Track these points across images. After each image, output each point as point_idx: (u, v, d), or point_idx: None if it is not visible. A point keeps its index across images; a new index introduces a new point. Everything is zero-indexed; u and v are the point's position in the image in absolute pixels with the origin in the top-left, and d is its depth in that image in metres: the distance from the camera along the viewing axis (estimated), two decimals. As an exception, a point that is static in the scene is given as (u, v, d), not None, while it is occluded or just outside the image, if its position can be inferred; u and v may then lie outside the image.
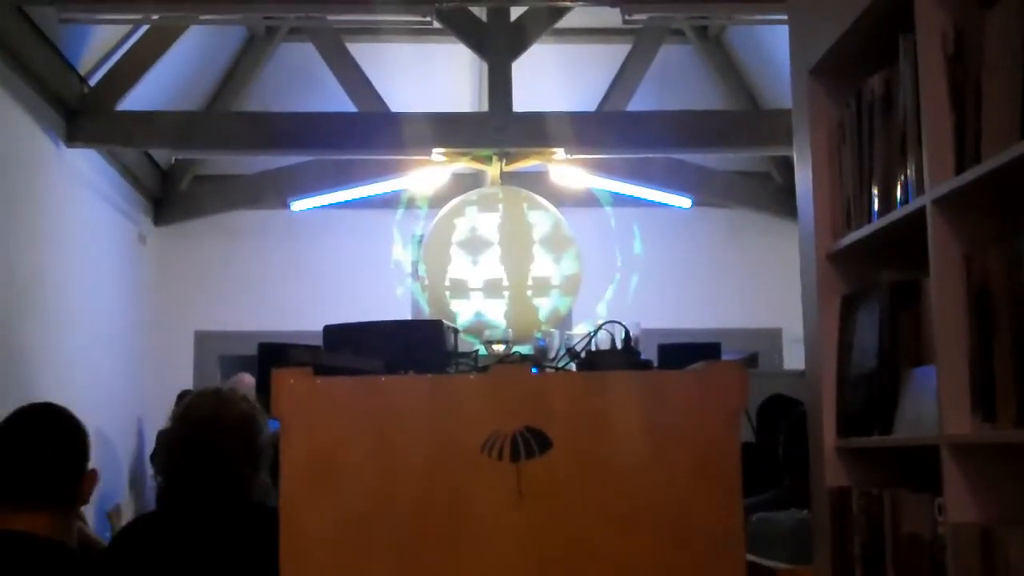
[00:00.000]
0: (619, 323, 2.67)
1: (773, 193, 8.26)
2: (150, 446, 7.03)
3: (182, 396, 4.18)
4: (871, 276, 2.38)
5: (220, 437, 2.84)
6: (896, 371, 2.24)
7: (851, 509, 2.34)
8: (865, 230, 2.34)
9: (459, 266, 6.48)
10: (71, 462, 2.96)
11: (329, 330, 2.93)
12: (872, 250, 2.40)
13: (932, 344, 2.06)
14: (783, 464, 3.67)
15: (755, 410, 4.72)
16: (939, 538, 1.99)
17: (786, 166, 7.83)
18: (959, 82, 2.01)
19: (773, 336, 8.18)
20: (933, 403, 2.02)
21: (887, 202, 2.27)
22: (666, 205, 8.08)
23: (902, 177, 2.20)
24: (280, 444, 2.47)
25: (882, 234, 2.29)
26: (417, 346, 2.87)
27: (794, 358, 7.55)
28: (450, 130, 6.65)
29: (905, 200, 2.18)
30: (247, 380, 3.40)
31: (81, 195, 6.65)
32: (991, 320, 1.89)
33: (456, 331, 3.08)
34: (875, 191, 2.32)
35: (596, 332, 2.70)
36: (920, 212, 2.07)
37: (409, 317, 6.75)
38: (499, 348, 2.89)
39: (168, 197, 8.23)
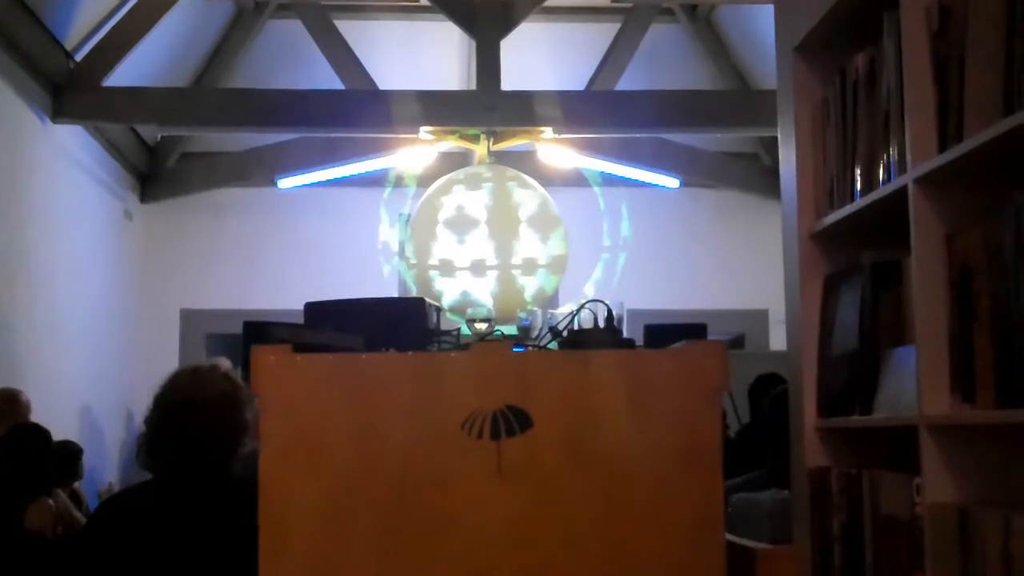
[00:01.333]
0: (602, 302, 2.66)
1: (761, 174, 8.26)
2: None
3: None
4: (854, 256, 2.37)
5: (196, 418, 2.83)
6: (877, 351, 2.23)
7: (830, 489, 2.34)
8: (848, 209, 2.33)
9: (445, 245, 6.47)
10: None
11: (310, 307, 2.92)
12: (855, 230, 2.39)
13: (913, 324, 2.06)
14: (765, 444, 3.67)
15: (748, 390, 4.72)
16: (917, 518, 1.99)
17: (774, 147, 7.81)
18: (943, 59, 1.99)
19: (760, 317, 8.18)
20: (913, 383, 2.01)
21: (870, 181, 2.25)
22: (654, 185, 8.07)
23: (885, 156, 2.19)
24: (259, 422, 2.46)
25: (865, 213, 2.28)
26: (399, 324, 2.85)
27: (780, 339, 7.52)
28: (438, 108, 6.64)
29: (888, 179, 2.17)
30: (224, 364, 3.40)
31: (67, 171, 6.62)
32: (971, 300, 1.89)
33: (439, 309, 3.07)
34: (858, 170, 2.31)
35: (578, 311, 2.69)
36: (902, 191, 2.06)
37: (396, 296, 6.74)
38: (482, 327, 2.87)
39: (155, 174, 8.20)
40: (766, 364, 4.76)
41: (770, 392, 3.91)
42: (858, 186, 2.30)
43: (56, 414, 5.36)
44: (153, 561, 2.74)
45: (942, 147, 1.97)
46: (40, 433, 4.80)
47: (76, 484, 5.11)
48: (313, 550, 2.39)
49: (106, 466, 7.21)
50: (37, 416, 5.07)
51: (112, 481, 6.91)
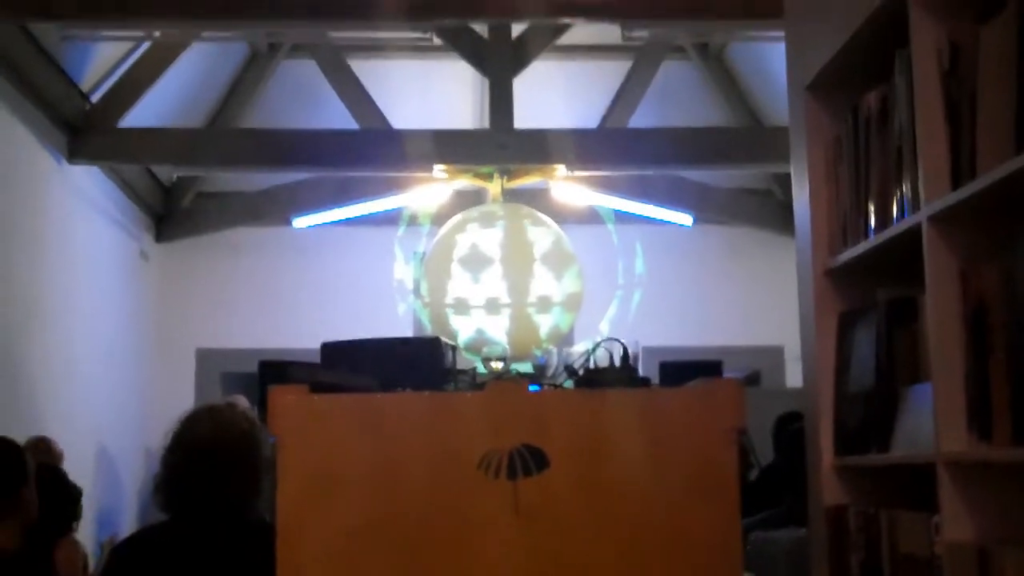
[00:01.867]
0: (617, 340, 2.66)
1: (774, 210, 8.26)
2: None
3: None
4: (869, 293, 2.37)
5: (216, 459, 2.83)
6: (893, 389, 2.23)
7: (848, 527, 2.33)
8: (862, 247, 2.33)
9: (460, 283, 6.48)
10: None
11: (327, 347, 2.93)
12: (869, 267, 2.39)
13: (929, 361, 2.05)
14: (781, 482, 3.66)
15: (772, 430, 4.70)
16: (936, 557, 1.98)
17: (788, 183, 7.82)
18: (955, 97, 2.00)
19: (775, 354, 8.16)
20: (930, 421, 2.01)
21: (884, 218, 2.26)
22: (667, 222, 8.08)
23: (898, 193, 2.19)
24: (276, 462, 2.46)
25: (879, 251, 2.28)
26: (415, 363, 2.86)
27: (796, 376, 7.51)
28: (452, 147, 6.66)
29: (901, 216, 2.17)
30: (242, 402, 3.41)
31: (83, 212, 6.66)
32: (987, 337, 1.88)
33: (455, 348, 3.08)
34: (871, 207, 2.31)
35: (594, 349, 2.69)
36: (916, 228, 2.07)
37: (411, 334, 6.75)
38: (498, 365, 2.88)
39: (170, 214, 8.24)
40: (782, 401, 4.74)
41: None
42: (872, 223, 2.31)
43: (73, 454, 5.36)
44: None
45: (955, 184, 1.97)
46: (61, 473, 4.81)
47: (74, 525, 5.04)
48: (330, 590, 2.39)
49: (123, 506, 7.22)
50: (53, 456, 5.09)
51: (116, 532, 6.89)
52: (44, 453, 5.12)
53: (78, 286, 6.47)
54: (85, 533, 5.79)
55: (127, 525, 7.00)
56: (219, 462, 2.83)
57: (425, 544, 2.40)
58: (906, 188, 2.16)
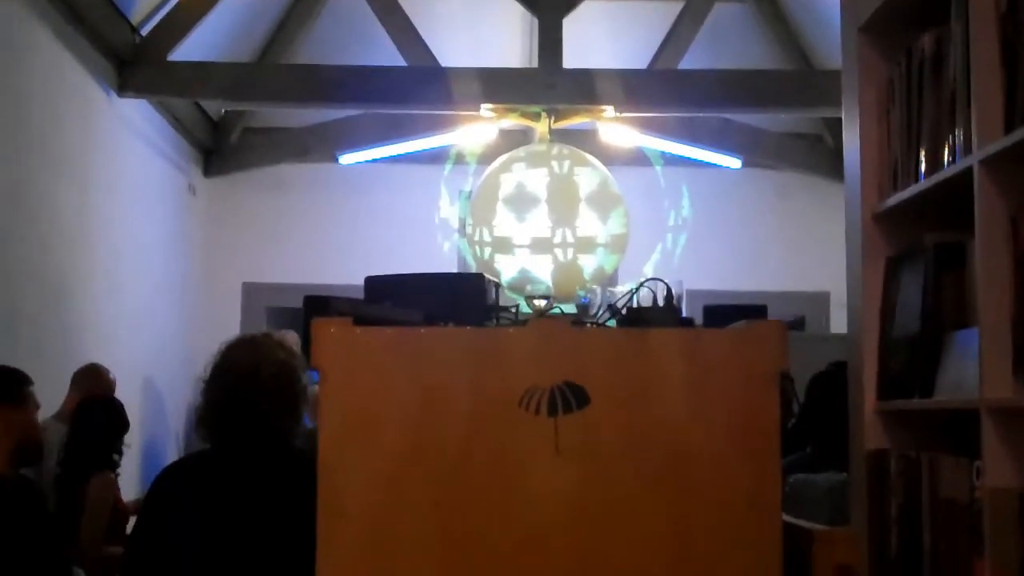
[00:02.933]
0: (661, 280, 2.65)
1: (824, 155, 8.18)
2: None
3: None
4: (917, 238, 2.35)
5: (255, 389, 2.85)
6: (939, 334, 2.21)
7: (889, 472, 2.32)
8: (912, 190, 2.31)
9: (505, 222, 6.47)
10: None
11: (370, 282, 2.94)
12: (918, 211, 2.37)
13: (976, 307, 2.04)
14: (806, 427, 3.66)
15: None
16: (976, 502, 1.97)
17: (838, 128, 7.74)
18: (1010, 41, 1.97)
19: (821, 300, 8.12)
20: (975, 366, 2.00)
21: (935, 162, 2.23)
22: (715, 165, 8.02)
23: (950, 137, 2.17)
24: (319, 394, 2.48)
25: (929, 195, 2.26)
26: (458, 299, 2.87)
27: (841, 322, 7.48)
28: (499, 86, 6.63)
29: (953, 160, 2.15)
30: (292, 337, 3.44)
31: (132, 145, 6.70)
32: (1036, 283, 1.87)
33: (498, 285, 3.08)
34: (923, 151, 2.29)
35: (637, 289, 2.69)
36: (967, 172, 2.04)
37: (456, 271, 6.77)
38: (541, 303, 2.87)
39: (218, 148, 8.27)
40: (827, 346, 4.71)
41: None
42: (923, 167, 2.28)
43: (120, 386, 5.42)
44: (212, 529, 2.77)
45: (1008, 128, 1.95)
46: (112, 406, 4.84)
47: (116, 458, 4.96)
48: (371, 521, 2.42)
49: (169, 437, 7.31)
50: (101, 386, 5.16)
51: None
52: (95, 380, 5.18)
53: (127, 219, 6.52)
54: (132, 464, 5.88)
55: (172, 456, 7.10)
56: (258, 390, 2.85)
57: (465, 478, 2.42)
58: (959, 132, 2.13)
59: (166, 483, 2.93)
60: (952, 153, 2.16)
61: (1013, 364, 1.92)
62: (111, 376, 5.28)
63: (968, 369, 2.04)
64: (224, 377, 2.89)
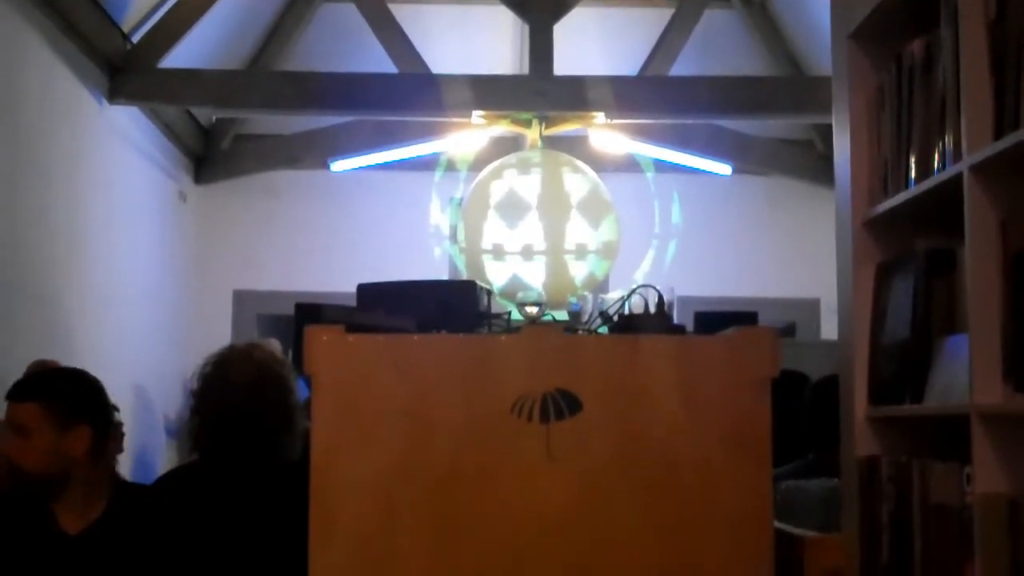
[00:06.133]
0: (652, 287, 2.66)
1: (815, 161, 8.19)
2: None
3: None
4: (907, 244, 2.36)
5: (261, 407, 2.85)
6: (929, 340, 2.22)
7: (880, 477, 2.33)
8: (902, 196, 2.32)
9: (496, 229, 6.48)
10: None
11: (363, 289, 2.94)
12: (909, 217, 2.37)
13: (966, 313, 2.05)
14: (807, 434, 3.66)
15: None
16: (967, 507, 1.98)
17: (828, 134, 7.75)
18: (1000, 47, 1.98)
19: (811, 306, 8.12)
20: (965, 372, 2.00)
21: (925, 168, 2.24)
22: (706, 172, 8.03)
23: (940, 143, 2.18)
24: (311, 401, 2.48)
25: (919, 201, 2.26)
26: (450, 306, 2.87)
27: (832, 329, 7.49)
28: (490, 92, 6.63)
29: (943, 166, 2.16)
30: (275, 345, 3.45)
31: (123, 152, 6.69)
32: (1025, 289, 1.87)
33: (490, 292, 3.08)
34: (913, 157, 2.30)
35: (629, 296, 2.70)
36: (957, 178, 2.05)
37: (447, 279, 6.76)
38: (532, 310, 2.88)
39: (209, 155, 8.26)
40: (817, 353, 4.73)
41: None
42: (912, 173, 2.29)
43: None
44: (204, 541, 2.77)
45: (998, 135, 1.95)
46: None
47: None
48: (362, 530, 2.42)
49: (159, 445, 7.29)
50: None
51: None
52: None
53: (117, 226, 6.51)
54: (122, 471, 5.86)
55: (162, 464, 7.08)
56: (260, 409, 2.85)
57: (457, 485, 2.43)
58: (948, 138, 2.14)
59: (161, 494, 2.92)
60: (942, 159, 2.17)
61: (1003, 370, 1.93)
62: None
63: (958, 375, 2.05)
64: (225, 392, 2.88)
